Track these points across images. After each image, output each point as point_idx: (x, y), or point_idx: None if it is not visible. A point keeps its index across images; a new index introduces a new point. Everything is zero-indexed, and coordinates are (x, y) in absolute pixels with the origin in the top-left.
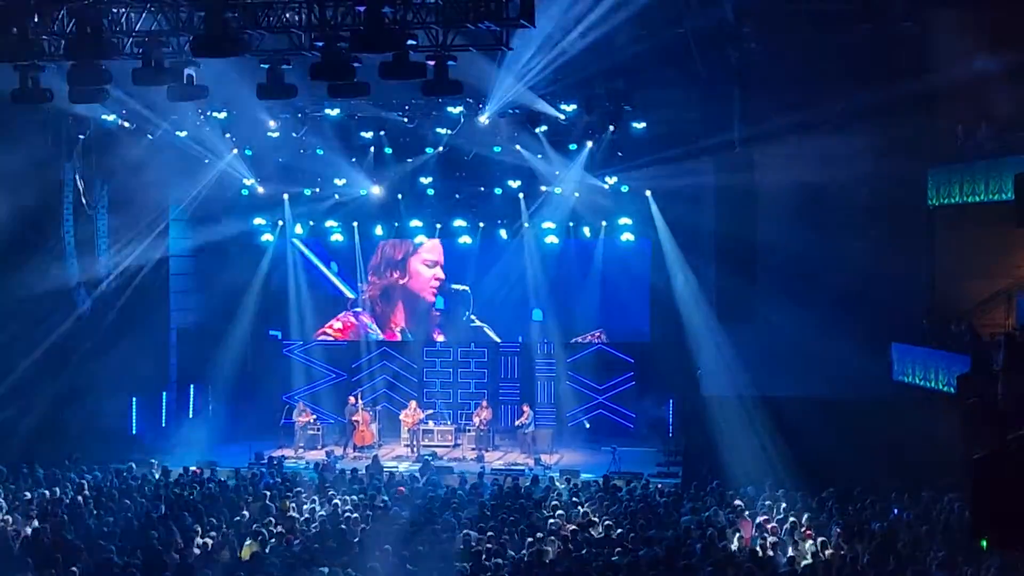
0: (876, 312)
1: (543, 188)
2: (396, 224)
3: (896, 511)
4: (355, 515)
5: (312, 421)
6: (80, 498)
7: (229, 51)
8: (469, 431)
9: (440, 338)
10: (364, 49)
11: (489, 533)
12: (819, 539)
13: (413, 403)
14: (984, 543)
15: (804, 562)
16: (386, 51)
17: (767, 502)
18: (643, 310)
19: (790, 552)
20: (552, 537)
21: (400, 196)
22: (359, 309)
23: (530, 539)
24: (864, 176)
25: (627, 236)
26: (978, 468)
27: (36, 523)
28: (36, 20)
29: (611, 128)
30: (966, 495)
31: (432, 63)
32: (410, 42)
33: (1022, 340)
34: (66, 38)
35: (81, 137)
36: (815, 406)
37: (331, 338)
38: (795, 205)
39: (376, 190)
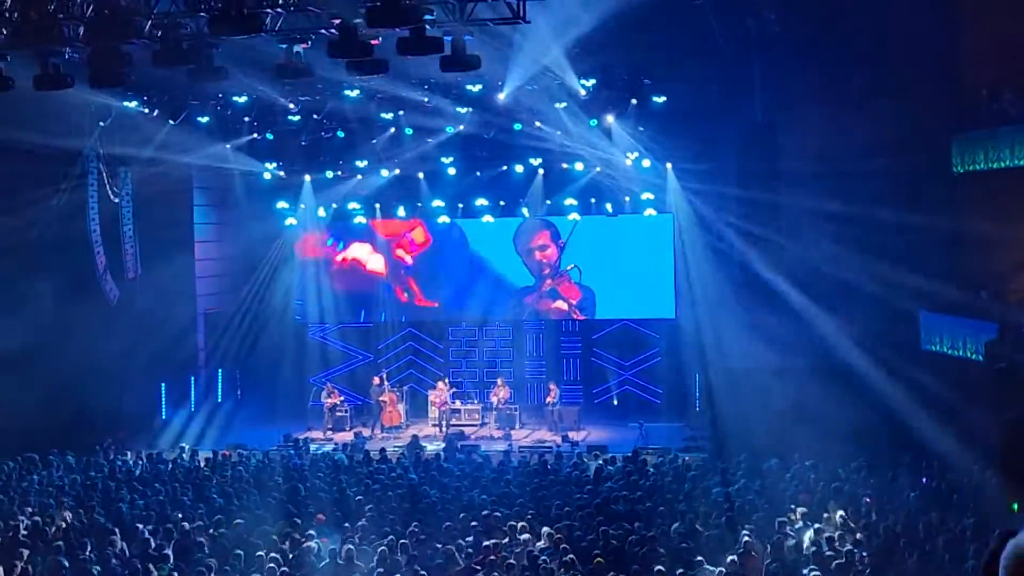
0: (903, 281)
1: (564, 165)
2: (419, 204)
3: (925, 480)
4: (389, 493)
5: (340, 403)
6: (112, 483)
7: (245, 29)
8: (495, 410)
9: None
10: (381, 24)
11: (516, 509)
12: (849, 509)
13: (441, 383)
14: (1015, 506)
15: (835, 532)
16: (403, 26)
17: (795, 473)
18: (667, 285)
19: (820, 524)
20: (580, 512)
21: (421, 176)
22: None
23: (558, 514)
24: (888, 144)
25: (649, 212)
26: (1007, 431)
27: (68, 509)
28: (55, 4)
29: (631, 103)
30: (996, 458)
31: (450, 38)
32: (427, 16)
33: None
34: (85, 22)
35: (102, 124)
36: (842, 376)
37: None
38: (818, 175)
39: (397, 171)
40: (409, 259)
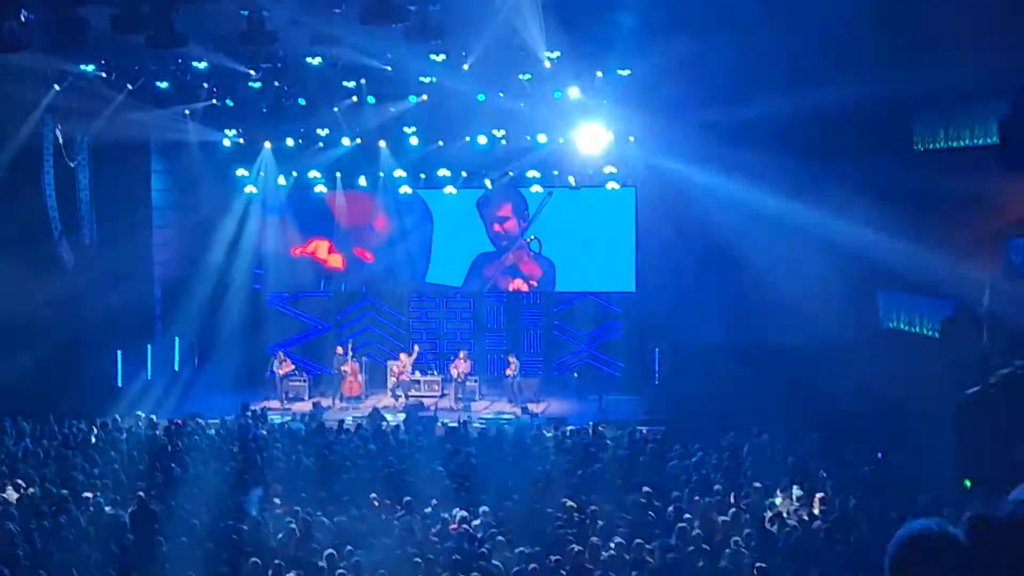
0: (862, 257)
1: (527, 137)
2: (381, 174)
3: (881, 455)
4: (347, 463)
5: (295, 371)
6: (66, 451)
7: None
8: (454, 381)
9: None
10: None
11: (475, 481)
12: (806, 484)
13: (403, 354)
14: (968, 484)
15: (791, 507)
16: None
17: (753, 447)
18: (629, 259)
19: (778, 497)
20: (540, 484)
21: (383, 145)
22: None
23: (516, 486)
24: (851, 121)
25: (612, 184)
26: (962, 410)
27: (14, 483)
28: None
29: (596, 75)
30: (950, 437)
31: (414, 8)
32: None
33: (1008, 284)
34: None
35: (57, 87)
36: (802, 352)
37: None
38: (779, 150)
39: (359, 140)
40: (370, 255)
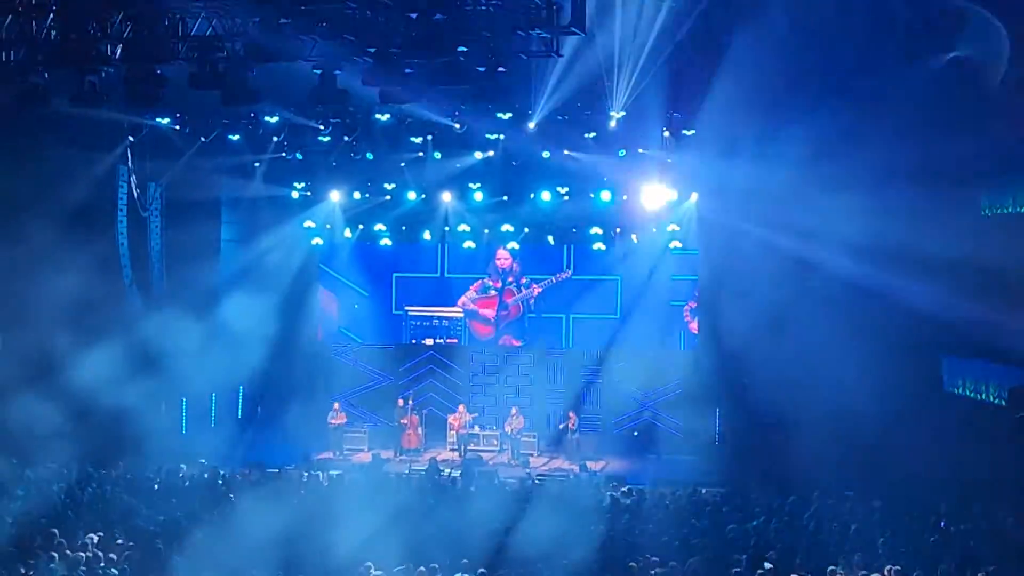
0: (927, 323)
1: (591, 194)
2: (446, 228)
3: (943, 524)
4: (404, 517)
5: (357, 423)
6: (130, 497)
7: (283, 57)
8: (511, 438)
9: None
10: (415, 55)
11: (533, 538)
12: (865, 551)
13: (462, 407)
14: None
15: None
16: (437, 58)
17: (814, 513)
18: (691, 317)
19: (836, 566)
20: (598, 543)
21: (448, 200)
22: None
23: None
24: (918, 183)
25: (675, 244)
26: None
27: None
28: (94, 26)
29: (662, 134)
30: (1017, 508)
31: (483, 69)
32: (461, 48)
33: None
34: (123, 43)
35: (131, 139)
36: (864, 417)
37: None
38: (846, 215)
39: (424, 195)
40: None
